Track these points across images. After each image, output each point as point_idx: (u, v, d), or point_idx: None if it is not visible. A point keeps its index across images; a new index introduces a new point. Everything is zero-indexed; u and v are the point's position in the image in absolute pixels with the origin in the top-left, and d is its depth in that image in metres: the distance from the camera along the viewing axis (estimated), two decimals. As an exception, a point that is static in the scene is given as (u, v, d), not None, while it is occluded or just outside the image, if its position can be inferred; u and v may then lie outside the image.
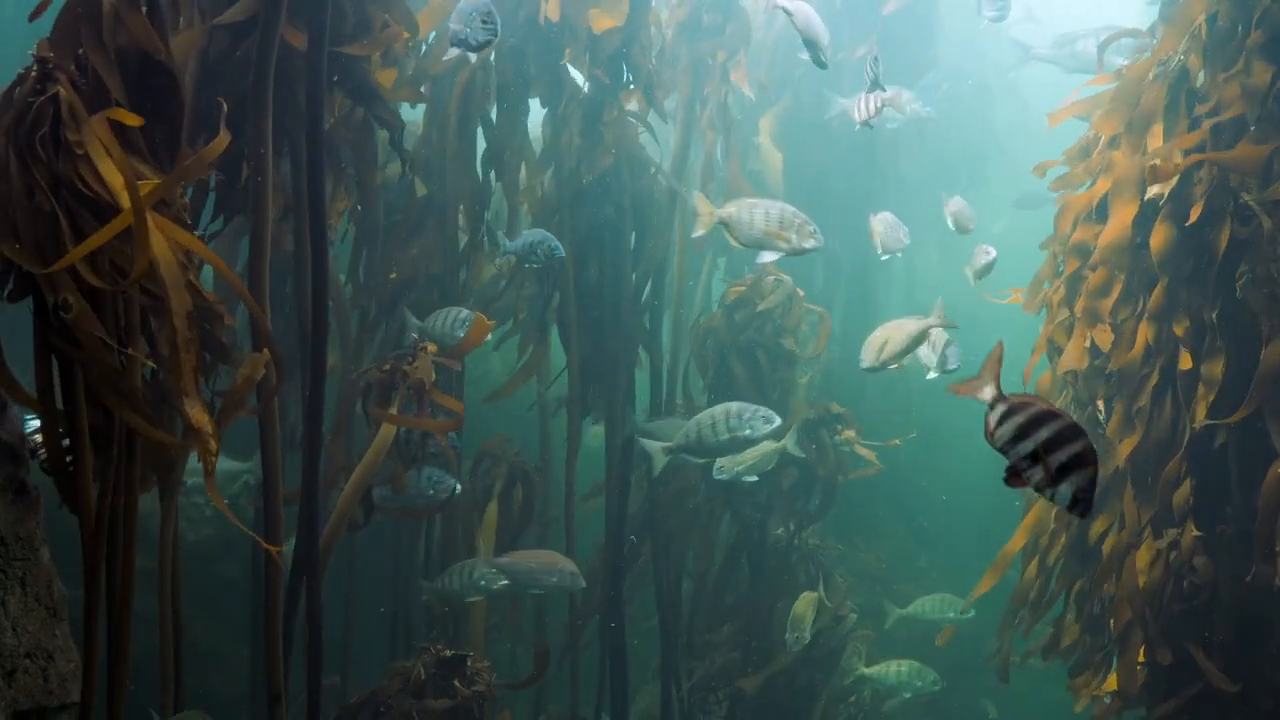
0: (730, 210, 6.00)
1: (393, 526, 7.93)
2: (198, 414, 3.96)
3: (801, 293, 9.01)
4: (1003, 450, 3.25)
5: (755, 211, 5.88)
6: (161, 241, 3.89)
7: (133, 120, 3.94)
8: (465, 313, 6.91)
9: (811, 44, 5.96)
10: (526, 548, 8.27)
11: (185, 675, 4.95)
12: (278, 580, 5.13)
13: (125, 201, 3.81)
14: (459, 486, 6.89)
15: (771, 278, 8.85)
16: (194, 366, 3.97)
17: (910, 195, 11.65)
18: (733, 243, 6.08)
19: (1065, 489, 3.17)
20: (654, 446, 6.21)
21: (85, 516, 3.94)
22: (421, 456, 6.42)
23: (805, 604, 7.96)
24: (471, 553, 7.66)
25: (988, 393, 3.30)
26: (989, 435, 3.28)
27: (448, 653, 6.48)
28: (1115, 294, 6.37)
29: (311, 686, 5.44)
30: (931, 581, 10.95)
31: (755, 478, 7.92)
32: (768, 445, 7.73)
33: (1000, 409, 3.25)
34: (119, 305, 3.97)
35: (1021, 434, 3.21)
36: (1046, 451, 3.18)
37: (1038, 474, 3.20)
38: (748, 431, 5.74)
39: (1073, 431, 3.18)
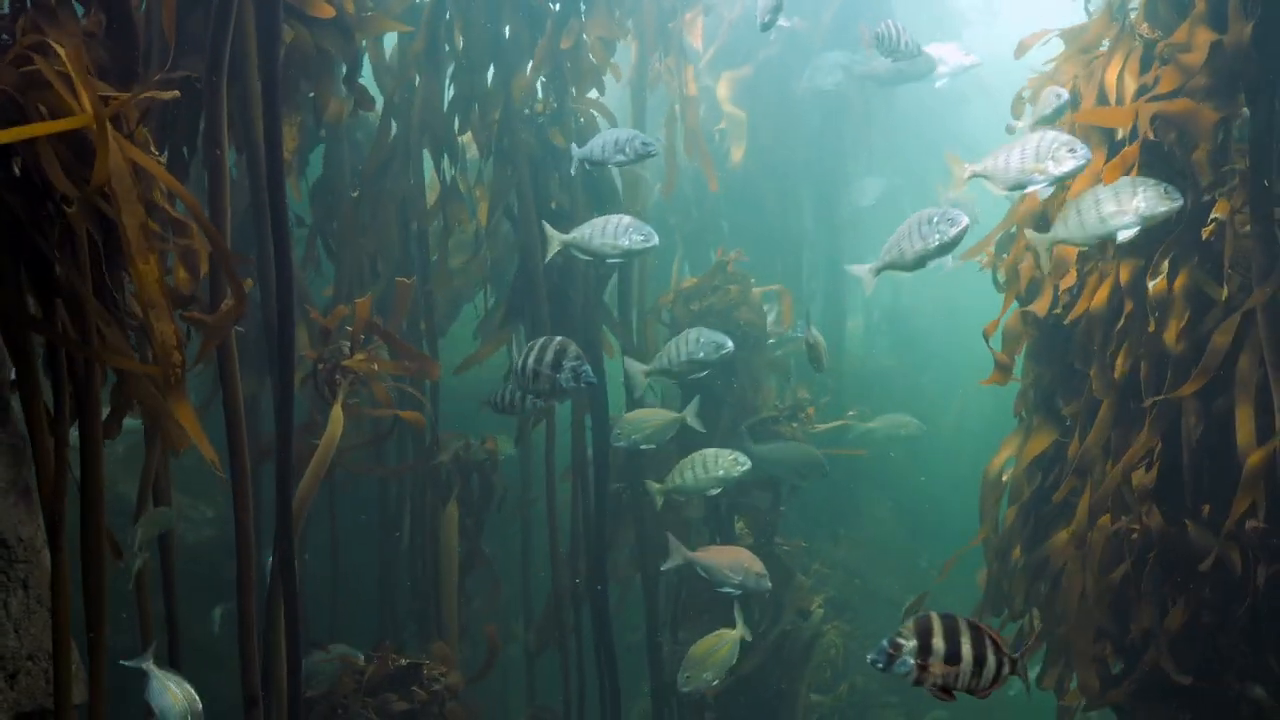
0: (985, 163, 5.64)
1: (374, 527, 7.91)
2: (163, 325, 3.80)
3: (752, 280, 9.05)
4: None
5: (1011, 153, 5.53)
6: (117, 154, 3.75)
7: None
8: (627, 220, 6.31)
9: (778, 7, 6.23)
10: (498, 533, 8.27)
11: (184, 676, 4.80)
12: (250, 581, 5.02)
13: (85, 105, 3.67)
14: (730, 344, 6.71)
15: (730, 268, 8.84)
16: (156, 278, 3.81)
17: (884, 190, 11.72)
18: (996, 191, 5.70)
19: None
20: (861, 269, 5.91)
21: (39, 446, 3.79)
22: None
23: (711, 644, 6.92)
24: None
25: None
26: None
27: (402, 661, 6.53)
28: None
29: (293, 686, 5.39)
30: (923, 574, 10.99)
31: (653, 446, 7.80)
32: (666, 415, 7.68)
33: None
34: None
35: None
36: None
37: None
38: (937, 238, 5.49)
39: None
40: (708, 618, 8.87)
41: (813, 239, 12.32)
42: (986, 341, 6.75)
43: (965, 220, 5.51)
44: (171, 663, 4.89)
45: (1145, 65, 6.06)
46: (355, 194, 7.76)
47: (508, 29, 7.78)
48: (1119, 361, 6.11)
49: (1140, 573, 6.02)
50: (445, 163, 7.91)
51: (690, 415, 7.57)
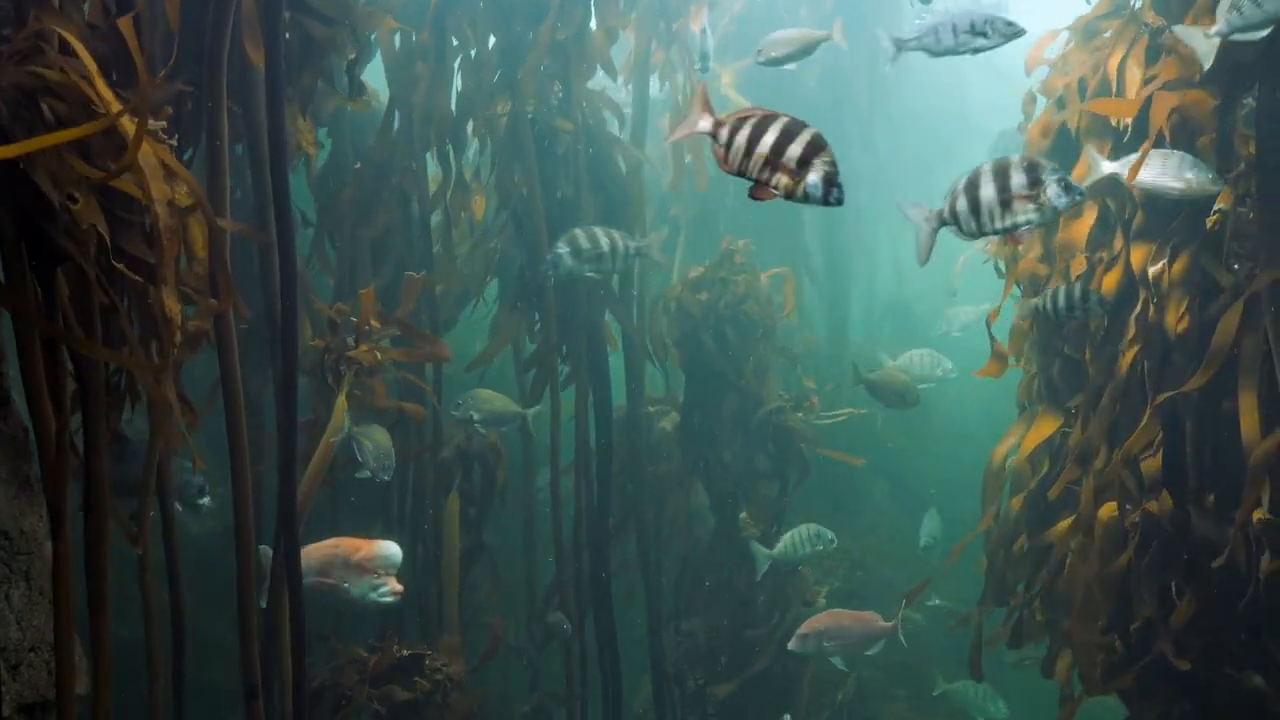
0: None
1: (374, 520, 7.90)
2: (171, 303, 3.98)
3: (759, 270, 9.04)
4: (740, 171, 3.26)
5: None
6: (147, 150, 3.84)
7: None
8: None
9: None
10: (500, 524, 8.27)
11: (188, 667, 4.89)
12: (250, 572, 5.05)
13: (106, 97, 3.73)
14: None
15: (738, 257, 8.84)
16: (175, 256, 3.95)
17: (887, 176, 11.70)
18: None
19: (814, 179, 3.21)
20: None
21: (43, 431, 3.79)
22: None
23: None
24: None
25: (705, 123, 3.30)
26: (722, 161, 3.27)
27: (405, 652, 6.58)
28: (1089, 222, 6.27)
29: (297, 677, 5.39)
30: (930, 566, 11.00)
31: (486, 429, 8.04)
32: (510, 404, 8.06)
33: (724, 132, 3.26)
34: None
35: (751, 146, 3.22)
36: (778, 153, 3.19)
37: (780, 178, 3.21)
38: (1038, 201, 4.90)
39: (798, 125, 3.20)
40: (709, 610, 8.95)
41: (813, 225, 12.34)
42: (989, 330, 6.72)
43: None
44: (176, 654, 4.88)
45: (1152, 56, 6.02)
46: (357, 165, 7.76)
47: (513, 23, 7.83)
48: (1126, 353, 6.08)
49: (1142, 561, 5.99)
50: (450, 154, 7.89)
51: (530, 415, 8.14)
